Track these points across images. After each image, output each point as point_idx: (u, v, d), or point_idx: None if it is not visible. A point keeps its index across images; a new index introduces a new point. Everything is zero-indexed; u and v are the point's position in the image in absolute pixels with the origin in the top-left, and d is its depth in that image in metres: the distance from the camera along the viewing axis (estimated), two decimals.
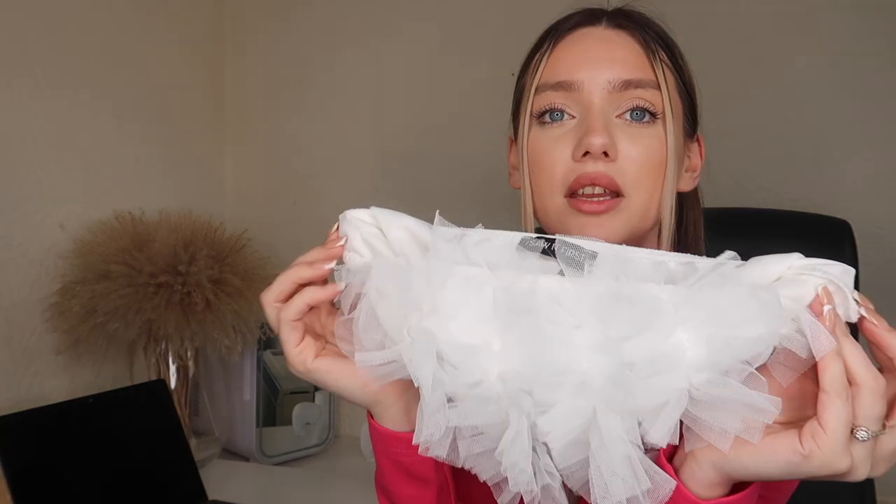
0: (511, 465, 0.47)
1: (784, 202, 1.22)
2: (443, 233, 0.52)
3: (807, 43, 1.23)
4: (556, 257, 0.50)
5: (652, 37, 0.67)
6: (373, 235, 0.55)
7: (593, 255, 0.50)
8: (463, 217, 0.57)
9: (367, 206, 0.57)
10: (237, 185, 1.72)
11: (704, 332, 0.46)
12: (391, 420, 0.60)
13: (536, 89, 0.67)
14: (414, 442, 0.51)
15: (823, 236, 1.03)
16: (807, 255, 0.51)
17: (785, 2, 1.25)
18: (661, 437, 0.47)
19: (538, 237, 0.52)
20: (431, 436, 0.49)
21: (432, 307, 0.50)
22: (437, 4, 1.52)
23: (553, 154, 0.65)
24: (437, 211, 0.55)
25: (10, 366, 1.21)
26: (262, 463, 1.39)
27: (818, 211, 1.09)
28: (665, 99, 0.65)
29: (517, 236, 0.52)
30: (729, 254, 0.50)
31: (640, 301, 0.46)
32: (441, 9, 1.51)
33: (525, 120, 0.67)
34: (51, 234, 1.28)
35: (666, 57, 0.67)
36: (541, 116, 0.66)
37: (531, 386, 0.48)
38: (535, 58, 0.69)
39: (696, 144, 0.73)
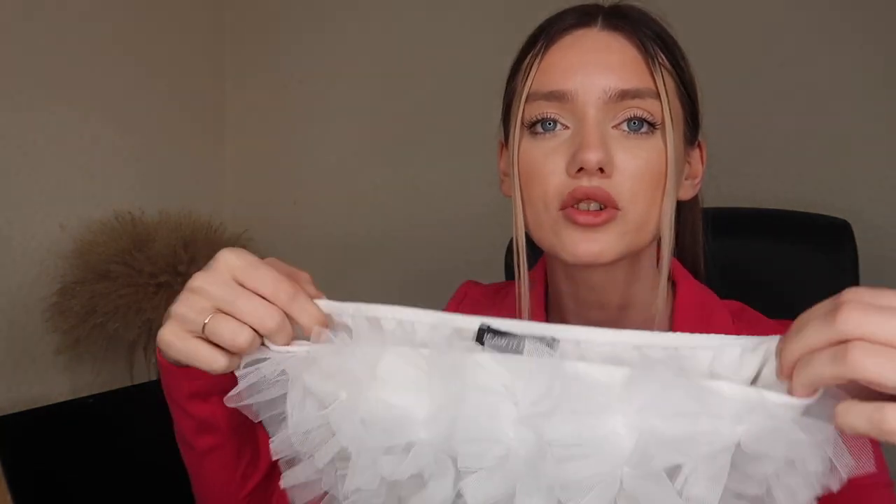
0: None
1: (784, 202, 1.22)
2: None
3: (807, 42, 1.23)
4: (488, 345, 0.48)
5: (650, 38, 0.62)
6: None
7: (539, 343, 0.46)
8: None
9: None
10: (237, 185, 1.72)
11: (640, 422, 0.42)
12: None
13: (527, 97, 0.62)
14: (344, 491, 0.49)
15: (823, 236, 1.03)
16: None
17: (785, 1, 1.25)
18: None
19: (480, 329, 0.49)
20: (364, 484, 0.48)
21: (370, 377, 0.48)
22: (437, 8, 1.52)
23: (546, 167, 0.61)
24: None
25: (10, 366, 1.21)
26: None
27: (818, 211, 1.09)
28: (665, 108, 0.60)
29: (446, 330, 0.49)
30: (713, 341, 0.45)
31: (577, 381, 0.43)
32: (443, 12, 1.51)
33: (516, 129, 0.63)
34: (51, 234, 1.28)
35: (666, 60, 0.63)
36: (532, 126, 0.62)
37: (455, 452, 0.45)
38: (526, 61, 0.64)
39: (697, 151, 0.69)
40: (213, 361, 0.50)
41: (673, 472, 0.42)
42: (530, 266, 0.65)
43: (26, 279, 1.24)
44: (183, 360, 0.52)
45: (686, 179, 0.67)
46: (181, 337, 0.51)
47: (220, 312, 0.50)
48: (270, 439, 0.52)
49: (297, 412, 0.49)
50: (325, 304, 0.51)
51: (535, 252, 0.67)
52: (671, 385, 0.42)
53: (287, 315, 0.50)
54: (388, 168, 1.55)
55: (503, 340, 0.46)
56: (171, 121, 1.56)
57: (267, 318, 0.49)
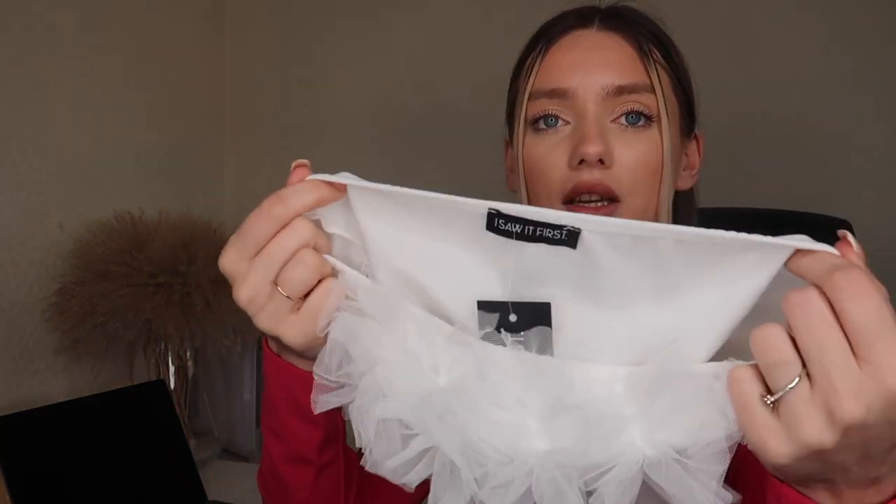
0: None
1: (784, 202, 1.22)
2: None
3: (808, 42, 1.23)
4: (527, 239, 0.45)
5: (645, 36, 0.66)
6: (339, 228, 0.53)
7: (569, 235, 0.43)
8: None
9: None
10: (237, 185, 1.72)
11: (655, 435, 0.43)
12: (296, 360, 0.56)
13: (530, 96, 0.65)
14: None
15: (823, 236, 1.02)
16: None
17: (785, 1, 1.25)
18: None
19: (499, 216, 0.46)
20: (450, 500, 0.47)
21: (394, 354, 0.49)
22: (437, 8, 1.52)
23: (549, 162, 0.64)
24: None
25: (10, 366, 1.21)
26: None
27: (818, 211, 1.09)
28: (660, 101, 0.63)
29: (476, 219, 0.48)
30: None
31: (588, 409, 0.44)
32: (443, 13, 1.51)
33: (520, 126, 0.66)
34: (51, 234, 1.28)
35: (660, 56, 0.66)
36: (535, 123, 0.65)
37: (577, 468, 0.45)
38: (528, 62, 0.68)
39: (693, 142, 0.72)
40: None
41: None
42: None
43: (26, 279, 1.24)
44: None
45: (684, 170, 0.70)
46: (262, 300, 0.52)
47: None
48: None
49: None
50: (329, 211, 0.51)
51: None
52: (683, 405, 0.42)
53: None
54: (389, 168, 1.55)
55: (517, 226, 0.45)
56: (171, 121, 1.56)
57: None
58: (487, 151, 1.46)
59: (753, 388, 0.38)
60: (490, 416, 0.46)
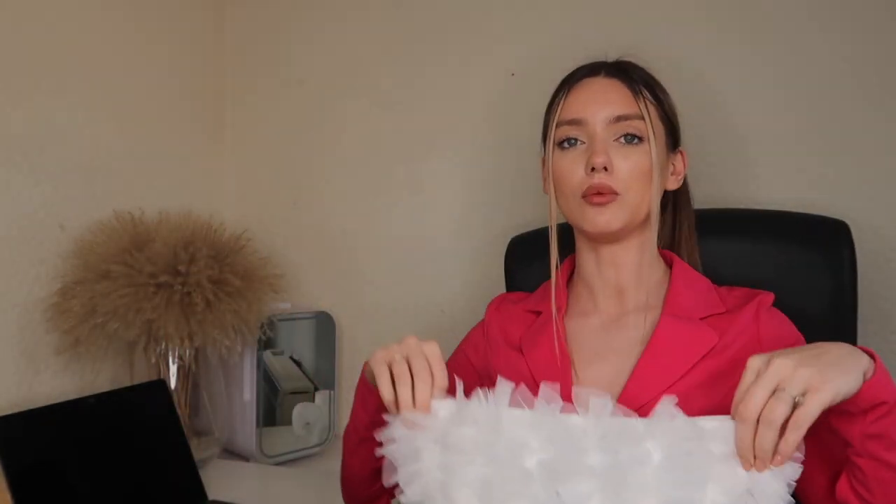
0: None
1: (783, 202, 1.22)
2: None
3: (807, 42, 1.23)
4: None
5: (637, 82, 0.92)
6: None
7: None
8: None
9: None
10: (237, 185, 1.72)
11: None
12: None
13: (557, 125, 0.93)
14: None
15: (823, 236, 1.03)
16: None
17: (786, 1, 1.25)
18: None
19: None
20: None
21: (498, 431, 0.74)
22: (438, 9, 1.52)
23: (571, 171, 0.91)
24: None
25: (10, 366, 1.21)
26: (262, 463, 1.39)
27: (818, 211, 1.09)
28: (648, 126, 0.90)
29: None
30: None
31: (626, 427, 0.71)
32: (444, 13, 1.51)
33: (550, 146, 0.94)
34: (51, 234, 1.28)
35: (649, 95, 0.92)
36: (560, 144, 0.92)
37: (557, 469, 0.70)
38: (556, 100, 0.95)
39: (679, 155, 0.97)
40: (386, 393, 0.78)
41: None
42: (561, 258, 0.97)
43: (26, 279, 1.24)
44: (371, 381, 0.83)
45: (672, 175, 0.97)
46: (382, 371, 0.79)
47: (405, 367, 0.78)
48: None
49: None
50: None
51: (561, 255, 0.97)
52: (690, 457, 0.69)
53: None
54: (389, 168, 1.56)
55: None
56: (171, 121, 1.56)
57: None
58: (487, 149, 1.47)
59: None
60: None
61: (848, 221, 1.03)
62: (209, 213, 1.44)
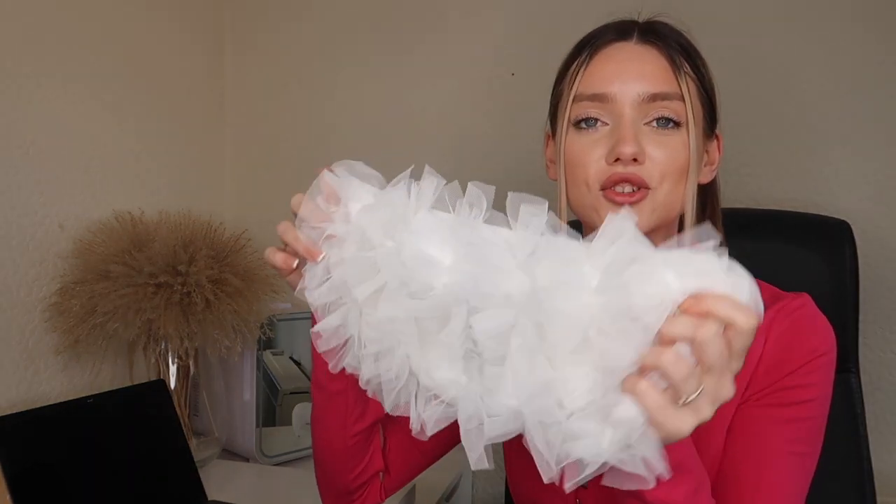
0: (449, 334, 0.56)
1: (784, 202, 1.22)
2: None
3: (808, 43, 1.23)
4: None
5: (676, 50, 0.74)
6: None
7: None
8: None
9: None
10: (237, 185, 1.72)
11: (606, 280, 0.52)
12: None
13: (574, 98, 0.75)
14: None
15: (823, 236, 1.03)
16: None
17: (786, 1, 1.24)
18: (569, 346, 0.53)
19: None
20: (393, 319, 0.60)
21: (408, 230, 0.60)
22: (438, 9, 1.52)
23: (589, 156, 0.73)
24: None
25: (10, 366, 1.21)
26: (262, 463, 1.39)
27: (818, 211, 1.09)
28: (688, 109, 0.72)
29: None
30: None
31: (562, 246, 0.54)
32: (444, 13, 1.51)
33: (563, 124, 0.76)
34: (51, 234, 1.28)
35: (689, 68, 0.74)
36: (577, 123, 0.75)
37: (468, 296, 0.55)
38: (573, 68, 0.77)
39: (714, 141, 0.80)
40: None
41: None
42: None
43: (26, 279, 1.24)
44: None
45: (705, 166, 0.79)
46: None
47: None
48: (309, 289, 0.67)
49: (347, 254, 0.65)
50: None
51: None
52: (636, 257, 0.51)
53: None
54: (389, 167, 1.55)
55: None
56: (171, 121, 1.56)
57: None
58: (487, 148, 1.46)
59: (661, 396, 0.48)
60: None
61: (849, 221, 1.03)
62: (209, 213, 1.44)
